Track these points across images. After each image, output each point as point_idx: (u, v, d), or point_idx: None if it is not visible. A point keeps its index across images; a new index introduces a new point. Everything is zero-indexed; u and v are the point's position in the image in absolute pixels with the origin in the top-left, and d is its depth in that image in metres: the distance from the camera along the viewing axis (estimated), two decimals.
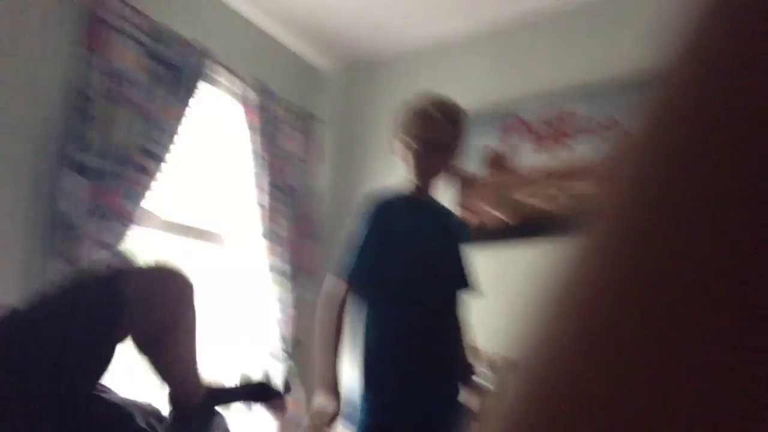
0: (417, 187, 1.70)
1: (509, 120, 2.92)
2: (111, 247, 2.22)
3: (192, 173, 2.86)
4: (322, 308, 1.63)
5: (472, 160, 2.96)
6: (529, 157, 2.83)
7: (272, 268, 2.96)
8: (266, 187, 2.98)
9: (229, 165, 3.04)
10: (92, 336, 1.07)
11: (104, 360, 1.11)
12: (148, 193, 2.38)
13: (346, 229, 3.17)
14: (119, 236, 2.26)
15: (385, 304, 1.61)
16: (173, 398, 1.27)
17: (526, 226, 2.76)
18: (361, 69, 3.48)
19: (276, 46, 3.33)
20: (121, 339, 1.14)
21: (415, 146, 1.66)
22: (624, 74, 2.68)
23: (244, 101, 2.99)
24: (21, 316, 1.08)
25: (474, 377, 1.75)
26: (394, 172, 3.15)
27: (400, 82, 3.32)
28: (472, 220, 2.87)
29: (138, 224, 2.35)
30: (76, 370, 1.05)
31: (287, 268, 2.99)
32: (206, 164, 2.98)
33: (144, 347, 1.18)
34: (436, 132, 1.67)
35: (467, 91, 3.07)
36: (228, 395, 1.42)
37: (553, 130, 2.81)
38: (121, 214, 2.27)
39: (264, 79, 3.06)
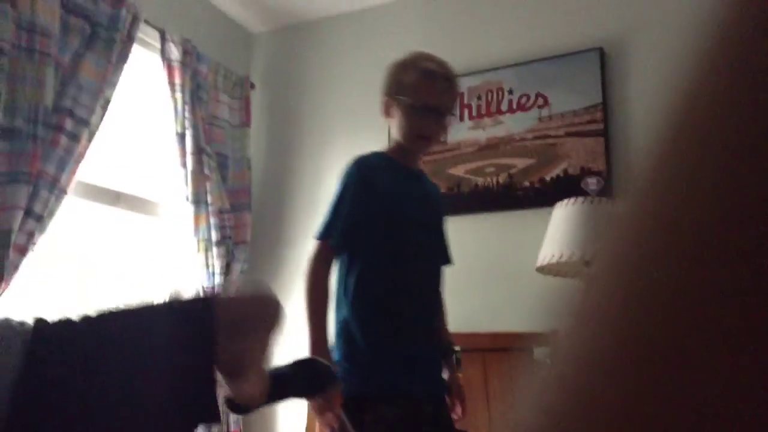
0: (405, 152, 1.62)
1: None
2: (40, 216, 2.10)
3: (117, 136, 2.72)
4: (308, 275, 1.52)
5: None
6: (461, 131, 2.86)
7: (201, 237, 2.88)
8: (194, 152, 2.87)
9: (156, 129, 2.91)
10: (182, 360, 0.95)
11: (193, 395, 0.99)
12: (69, 157, 2.25)
13: (283, 196, 3.15)
14: (44, 204, 2.14)
15: (367, 269, 1.53)
16: (233, 400, 1.16)
17: (456, 200, 2.80)
18: (294, 31, 3.39)
19: (206, 5, 3.19)
20: (211, 367, 1.02)
21: (419, 110, 1.56)
22: (556, 49, 2.74)
23: (172, 62, 2.86)
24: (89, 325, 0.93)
25: (452, 355, 1.69)
26: (329, 139, 3.13)
27: (334, 46, 3.26)
28: None
29: (62, 191, 2.22)
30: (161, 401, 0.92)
31: (217, 237, 2.92)
32: (131, 127, 2.84)
33: (225, 374, 1.08)
34: (441, 97, 1.58)
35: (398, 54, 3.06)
36: (284, 390, 1.30)
37: (483, 103, 2.84)
38: (41, 179, 2.14)
39: (193, 40, 2.93)
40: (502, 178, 2.73)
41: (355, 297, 1.52)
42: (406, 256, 1.56)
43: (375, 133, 3.03)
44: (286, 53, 3.39)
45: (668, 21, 2.59)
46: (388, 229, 1.54)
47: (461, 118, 2.87)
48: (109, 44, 2.44)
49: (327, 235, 1.54)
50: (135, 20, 2.57)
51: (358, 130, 3.10)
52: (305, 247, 3.05)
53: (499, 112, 2.80)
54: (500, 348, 2.18)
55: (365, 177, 1.56)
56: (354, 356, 1.49)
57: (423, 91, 1.56)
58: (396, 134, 1.62)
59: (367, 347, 1.49)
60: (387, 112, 1.64)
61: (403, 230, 1.56)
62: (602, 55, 2.66)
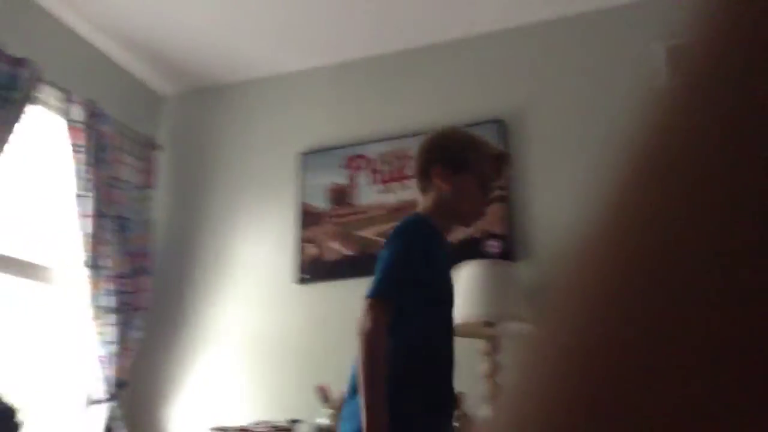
0: (449, 222, 1.62)
1: (352, 157, 3.00)
2: None
3: (15, 198, 2.59)
4: (372, 342, 1.37)
5: (318, 196, 2.98)
6: (371, 195, 2.91)
7: (97, 304, 2.74)
8: (94, 215, 2.77)
9: (56, 191, 2.79)
10: None
11: None
12: None
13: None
14: None
15: (411, 338, 1.46)
16: None
17: (366, 262, 2.81)
18: (204, 94, 3.39)
19: (113, 67, 3.16)
20: None
21: (487, 188, 1.62)
22: (459, 120, 2.87)
23: (75, 123, 2.78)
24: None
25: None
26: (237, 205, 3.09)
27: (245, 111, 3.28)
28: (315, 253, 2.88)
29: None
30: None
31: (114, 303, 2.78)
32: (32, 189, 2.72)
33: None
34: (502, 179, 1.67)
35: (312, 124, 3.11)
36: None
37: (394, 169, 2.92)
38: None
39: (98, 101, 2.88)
40: None
41: (401, 358, 1.42)
42: (445, 330, 1.53)
43: (283, 199, 3.03)
44: (195, 116, 3.37)
45: (563, 94, 2.78)
46: (435, 300, 1.52)
47: (372, 182, 2.93)
48: (3, 104, 2.36)
49: (392, 293, 1.43)
50: (34, 80, 2.51)
51: (265, 196, 3.09)
52: (208, 314, 2.95)
53: (408, 177, 2.88)
54: None
55: (427, 243, 1.52)
56: (395, 420, 1.37)
57: (495, 171, 1.64)
58: (450, 204, 1.60)
59: (408, 412, 1.40)
60: (444, 182, 1.61)
61: (446, 303, 1.55)
62: (502, 125, 2.80)
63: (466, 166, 1.60)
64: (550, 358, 0.14)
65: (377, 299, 1.41)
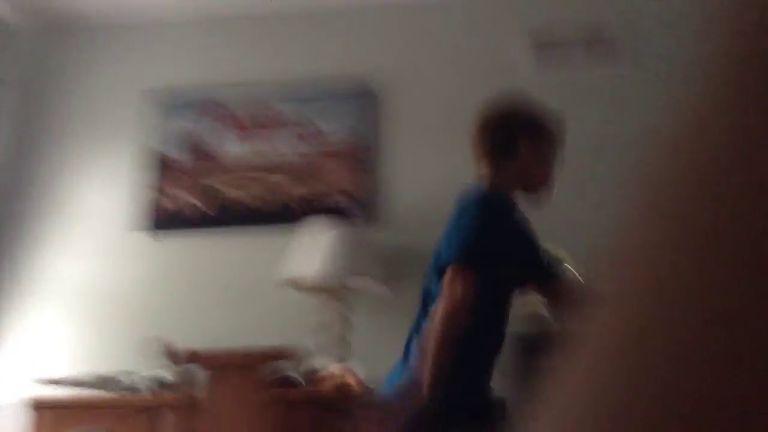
0: (518, 196, 1.53)
1: (212, 106, 2.88)
2: None
3: None
4: (456, 310, 1.31)
5: (170, 143, 2.84)
6: (230, 146, 2.82)
7: None
8: None
9: None
10: None
11: None
12: None
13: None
14: None
15: (487, 303, 1.41)
16: None
17: (221, 215, 2.74)
18: (56, 32, 3.09)
19: None
20: None
21: (556, 158, 1.56)
22: (324, 78, 2.85)
23: None
24: None
25: None
26: (78, 146, 2.86)
27: (102, 52, 3.05)
28: (164, 203, 2.75)
29: None
30: None
31: None
32: None
33: None
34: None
35: (170, 69, 2.96)
36: None
37: (254, 122, 2.84)
38: None
39: None
40: (263, 192, 2.73)
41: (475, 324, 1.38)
42: (510, 308, 1.50)
43: (131, 145, 2.86)
44: (43, 52, 3.08)
45: (432, 72, 2.84)
46: (511, 284, 1.50)
47: (231, 130, 2.83)
48: None
49: (480, 263, 1.35)
50: None
51: (111, 141, 2.91)
52: (39, 261, 2.73)
53: (268, 128, 2.82)
54: (245, 365, 2.13)
55: (518, 223, 1.47)
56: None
57: (560, 144, 1.58)
58: (530, 175, 1.54)
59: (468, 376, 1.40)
60: (533, 153, 1.53)
61: (516, 281, 1.52)
62: (369, 90, 2.81)
63: (546, 137, 1.56)
64: (596, 366, 0.14)
65: (465, 267, 1.34)
